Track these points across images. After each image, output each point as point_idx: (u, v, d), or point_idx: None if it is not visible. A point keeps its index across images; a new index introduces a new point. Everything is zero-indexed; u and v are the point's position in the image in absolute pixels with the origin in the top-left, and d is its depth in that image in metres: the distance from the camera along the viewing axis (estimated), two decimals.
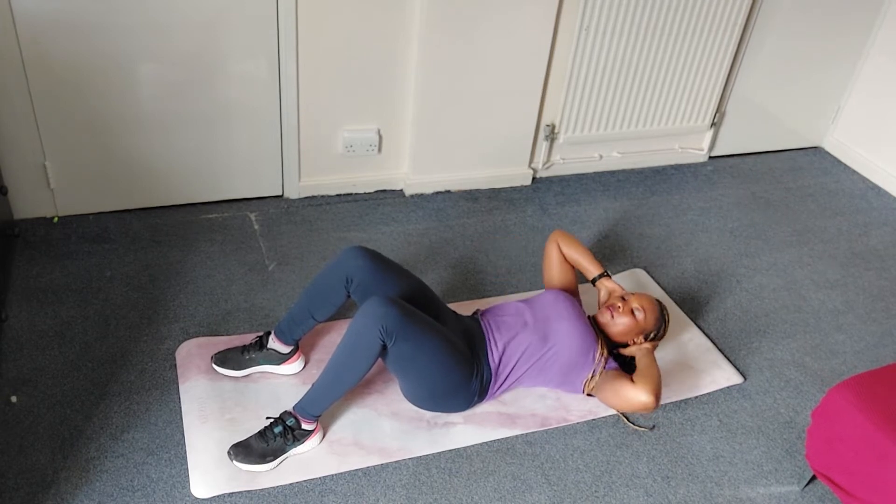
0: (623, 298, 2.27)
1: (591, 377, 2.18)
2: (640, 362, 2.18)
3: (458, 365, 2.07)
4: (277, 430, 1.99)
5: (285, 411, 2.02)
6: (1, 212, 2.50)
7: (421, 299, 2.17)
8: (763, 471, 2.16)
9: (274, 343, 2.21)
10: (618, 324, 2.24)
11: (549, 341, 2.18)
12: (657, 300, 2.31)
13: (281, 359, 2.23)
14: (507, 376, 2.19)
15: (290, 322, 2.20)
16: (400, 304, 1.95)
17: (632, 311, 2.23)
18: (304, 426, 2.01)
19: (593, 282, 2.37)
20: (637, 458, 2.15)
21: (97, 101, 2.60)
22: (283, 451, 2.00)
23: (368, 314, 1.92)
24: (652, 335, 2.27)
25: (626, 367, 2.27)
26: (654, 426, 2.25)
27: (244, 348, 2.22)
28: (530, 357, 2.18)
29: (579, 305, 2.32)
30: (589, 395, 2.23)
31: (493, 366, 2.16)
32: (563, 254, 2.42)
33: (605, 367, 2.19)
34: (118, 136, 2.70)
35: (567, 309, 2.24)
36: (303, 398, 2.02)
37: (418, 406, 2.18)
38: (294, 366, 2.25)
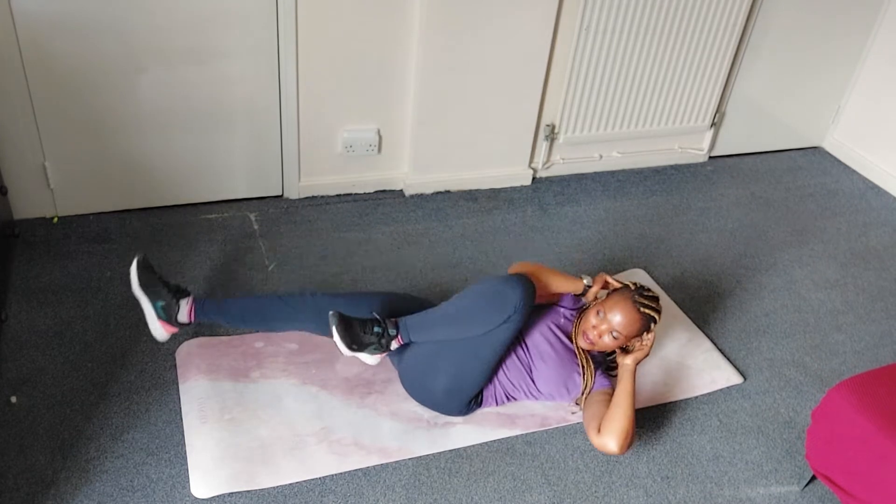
0: (597, 314, 2.09)
1: (580, 399, 2.17)
2: (615, 393, 2.08)
3: (486, 378, 2.11)
4: (377, 329, 2.02)
5: (392, 321, 2.06)
6: (1, 212, 2.50)
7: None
8: (763, 471, 2.16)
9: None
10: (600, 347, 2.13)
11: (536, 380, 2.17)
12: (633, 297, 2.08)
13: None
14: (502, 402, 2.22)
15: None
16: (535, 297, 2.01)
17: (611, 334, 2.08)
18: (394, 343, 2.05)
19: (581, 296, 2.24)
20: (637, 458, 2.15)
21: (97, 101, 2.60)
22: (362, 350, 2.02)
23: (518, 284, 1.96)
24: (644, 331, 2.13)
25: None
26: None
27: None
28: (525, 392, 2.20)
29: (560, 329, 2.21)
30: None
31: (493, 392, 2.19)
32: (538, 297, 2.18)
33: (591, 389, 2.15)
34: (118, 137, 2.70)
35: (546, 346, 2.16)
36: (412, 319, 2.06)
37: (420, 399, 2.17)
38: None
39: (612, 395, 2.11)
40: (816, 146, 4.01)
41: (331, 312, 2.02)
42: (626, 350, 2.16)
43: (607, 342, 2.09)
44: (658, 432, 2.24)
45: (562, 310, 2.27)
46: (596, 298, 2.21)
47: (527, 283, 1.99)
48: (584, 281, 2.20)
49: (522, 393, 2.19)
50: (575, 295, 2.24)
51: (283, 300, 2.18)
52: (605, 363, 2.26)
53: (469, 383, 2.09)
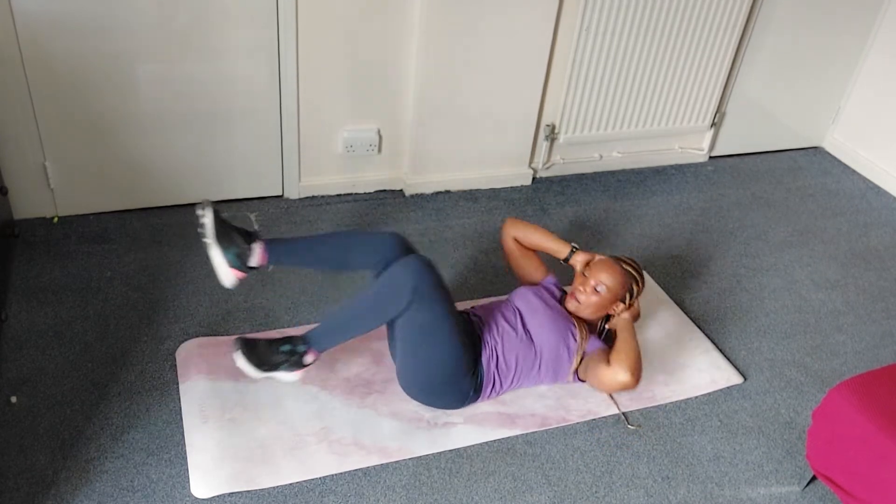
0: (584, 275, 2.23)
1: (578, 362, 2.19)
2: (618, 338, 2.16)
3: (462, 355, 2.08)
4: (285, 348, 2.01)
5: (299, 337, 2.04)
6: (1, 212, 2.50)
7: None
8: (763, 471, 2.16)
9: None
10: (587, 306, 2.22)
11: (534, 342, 2.19)
12: (617, 260, 2.25)
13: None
14: (503, 382, 2.20)
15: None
16: (437, 270, 2.00)
17: (595, 290, 2.20)
18: (307, 358, 2.03)
19: (566, 261, 2.32)
20: (637, 458, 2.15)
21: (97, 101, 2.60)
22: (275, 370, 2.02)
23: (408, 267, 1.96)
24: (629, 296, 2.24)
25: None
26: (639, 425, 2.25)
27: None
28: (524, 361, 2.19)
29: (549, 293, 2.32)
30: (581, 381, 2.23)
31: (489, 371, 2.16)
32: (523, 244, 2.36)
33: (586, 351, 2.19)
34: (118, 136, 2.70)
35: (537, 301, 2.25)
36: (316, 330, 2.04)
37: (413, 396, 2.17)
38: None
39: (608, 352, 2.16)
40: (816, 146, 4.01)
41: (234, 338, 2.03)
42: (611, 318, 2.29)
43: (594, 299, 2.20)
44: (658, 432, 2.24)
45: (549, 286, 2.37)
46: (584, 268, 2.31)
47: (418, 263, 1.98)
48: (573, 244, 2.31)
49: (521, 359, 2.17)
50: (562, 260, 2.32)
51: (359, 233, 2.18)
52: (596, 330, 2.31)
53: (445, 374, 2.08)
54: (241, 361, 1.99)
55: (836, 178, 3.72)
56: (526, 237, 2.34)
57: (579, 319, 2.26)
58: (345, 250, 2.16)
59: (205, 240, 2.07)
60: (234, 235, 2.08)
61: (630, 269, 2.24)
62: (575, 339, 2.20)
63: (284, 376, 2.05)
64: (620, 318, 2.23)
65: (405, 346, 2.08)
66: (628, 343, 2.12)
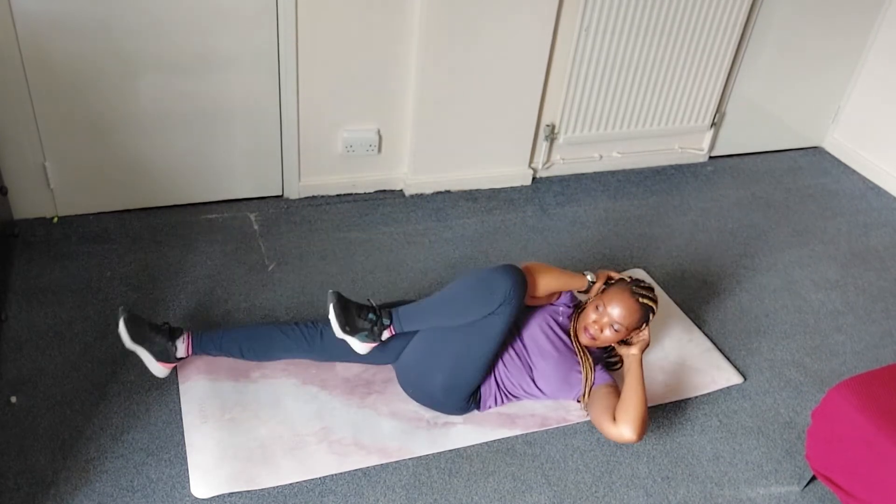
0: (597, 308, 2.12)
1: (583, 397, 2.15)
2: (626, 381, 2.08)
3: (484, 373, 2.10)
4: (371, 317, 2.05)
5: (386, 310, 2.08)
6: (1, 212, 2.50)
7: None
8: (763, 471, 2.16)
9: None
10: (602, 342, 2.15)
11: (536, 377, 2.17)
12: (632, 292, 2.11)
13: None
14: (503, 400, 2.22)
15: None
16: (527, 286, 2.02)
17: (612, 328, 2.10)
18: (385, 333, 2.08)
19: (585, 292, 2.24)
20: (637, 458, 2.15)
21: (97, 101, 2.60)
22: (354, 335, 2.06)
23: (508, 275, 1.97)
24: (644, 324, 2.15)
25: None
26: None
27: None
28: (525, 389, 2.18)
29: (557, 324, 2.23)
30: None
31: (490, 388, 2.17)
32: (539, 297, 2.18)
33: (593, 385, 2.14)
34: (118, 136, 2.70)
35: (543, 339, 2.18)
36: (402, 310, 2.08)
37: (419, 396, 2.17)
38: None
39: (615, 388, 2.13)
40: (816, 146, 4.01)
41: (330, 291, 2.07)
42: (625, 343, 2.19)
43: (609, 336, 2.12)
44: (658, 432, 2.24)
45: (559, 308, 2.29)
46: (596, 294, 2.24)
47: (517, 273, 2.00)
48: (588, 277, 2.21)
49: (522, 391, 2.19)
50: (579, 291, 2.24)
51: (279, 329, 2.20)
52: (602, 359, 2.27)
53: (466, 379, 2.09)
54: (332, 315, 2.04)
55: (836, 178, 3.72)
56: (544, 290, 2.15)
57: (585, 351, 2.18)
58: (269, 345, 2.19)
59: (126, 346, 2.08)
60: (152, 334, 2.09)
61: (647, 302, 2.11)
62: (579, 378, 2.15)
63: (357, 345, 2.09)
64: (630, 355, 2.14)
65: (447, 346, 2.07)
66: (635, 392, 2.03)
